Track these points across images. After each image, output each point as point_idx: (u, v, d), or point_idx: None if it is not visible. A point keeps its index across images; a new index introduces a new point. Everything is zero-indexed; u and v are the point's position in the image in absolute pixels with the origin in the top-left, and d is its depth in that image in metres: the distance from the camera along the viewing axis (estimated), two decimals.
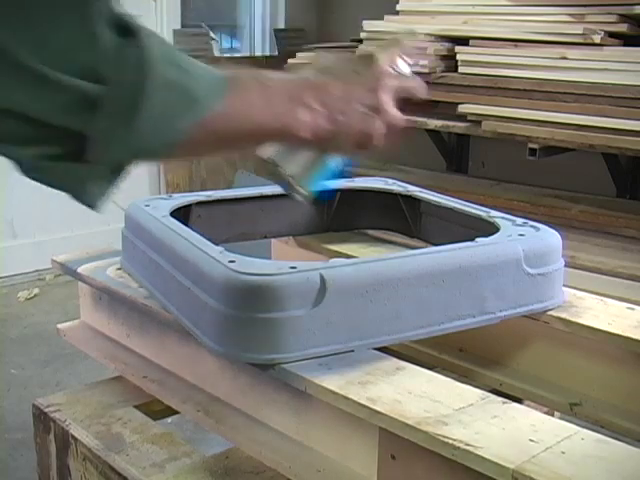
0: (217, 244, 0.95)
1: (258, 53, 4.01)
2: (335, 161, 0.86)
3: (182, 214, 1.15)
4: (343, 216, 1.32)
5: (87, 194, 0.65)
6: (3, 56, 0.56)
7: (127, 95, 0.60)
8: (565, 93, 2.36)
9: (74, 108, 0.59)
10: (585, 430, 0.74)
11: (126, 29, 0.61)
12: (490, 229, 1.05)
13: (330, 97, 0.74)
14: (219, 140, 0.70)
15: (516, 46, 2.50)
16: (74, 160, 0.62)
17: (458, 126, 2.62)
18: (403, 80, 0.79)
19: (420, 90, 0.81)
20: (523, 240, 0.99)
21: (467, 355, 1.09)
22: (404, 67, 0.83)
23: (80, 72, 0.58)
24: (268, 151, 0.84)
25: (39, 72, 0.57)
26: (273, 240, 1.36)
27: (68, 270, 1.21)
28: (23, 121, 0.59)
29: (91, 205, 0.66)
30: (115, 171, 0.65)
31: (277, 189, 1.31)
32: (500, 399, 0.81)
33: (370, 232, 1.34)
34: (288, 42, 3.80)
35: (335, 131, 0.74)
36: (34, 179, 0.64)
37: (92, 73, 0.59)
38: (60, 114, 0.59)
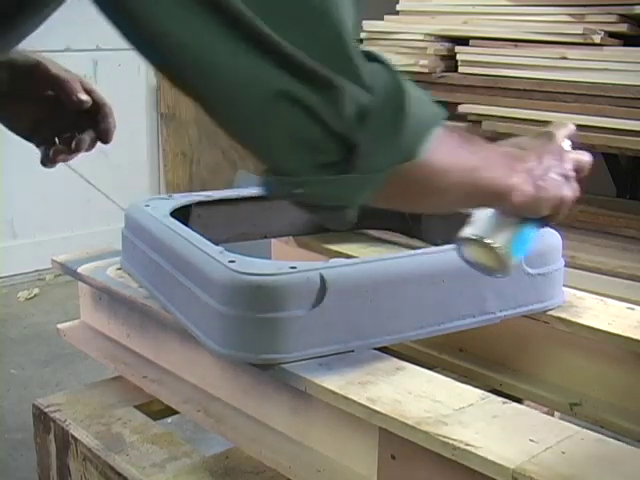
0: (217, 244, 0.95)
1: None
2: (532, 228, 0.84)
3: (182, 214, 1.15)
4: None
5: (349, 207, 0.65)
6: (292, 63, 0.57)
7: (392, 105, 0.62)
8: (565, 93, 2.36)
9: (353, 114, 0.60)
10: (585, 430, 0.75)
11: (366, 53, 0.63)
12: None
13: (531, 165, 0.78)
14: (434, 175, 0.69)
15: (516, 46, 2.50)
16: (341, 171, 0.62)
17: (458, 126, 2.62)
18: (578, 155, 0.86)
19: (589, 165, 0.87)
20: None
21: (467, 355, 1.09)
22: (568, 146, 0.88)
23: (352, 79, 0.60)
24: (467, 231, 0.83)
25: (327, 76, 0.59)
26: (273, 240, 1.36)
27: (68, 270, 1.21)
28: (314, 121, 0.60)
29: (344, 223, 0.67)
30: (371, 186, 0.64)
31: None
32: (500, 399, 0.81)
33: (370, 232, 1.34)
34: None
35: (538, 197, 0.78)
36: (289, 197, 0.64)
37: (359, 82, 0.61)
38: (341, 119, 0.60)
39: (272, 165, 0.63)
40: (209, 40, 0.56)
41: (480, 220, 0.84)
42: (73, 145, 0.94)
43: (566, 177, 0.82)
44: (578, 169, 0.84)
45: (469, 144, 0.73)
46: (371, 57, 0.63)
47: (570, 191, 0.82)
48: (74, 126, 0.95)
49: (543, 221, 0.84)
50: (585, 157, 0.86)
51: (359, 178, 0.63)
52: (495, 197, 0.76)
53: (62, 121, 0.95)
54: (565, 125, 0.88)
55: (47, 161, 0.96)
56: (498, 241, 0.82)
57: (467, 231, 0.83)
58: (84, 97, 0.93)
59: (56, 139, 0.96)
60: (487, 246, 0.82)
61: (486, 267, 0.85)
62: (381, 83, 0.62)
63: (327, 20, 0.59)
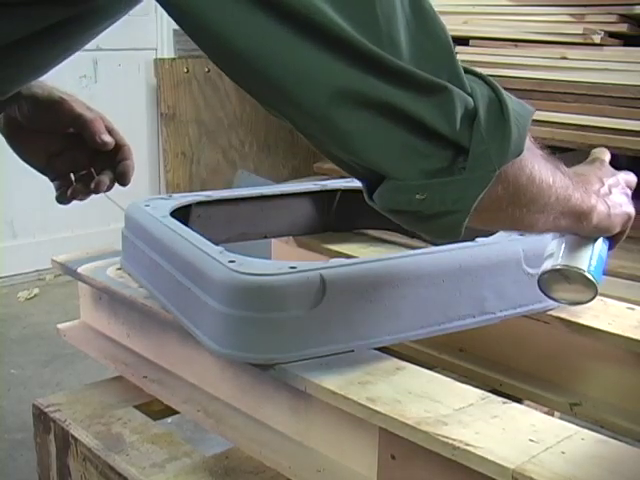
0: (217, 244, 0.95)
1: None
2: (605, 248, 0.88)
3: (182, 214, 1.15)
4: (343, 216, 1.32)
5: (465, 211, 0.66)
6: (401, 73, 0.60)
7: (494, 105, 0.66)
8: (565, 93, 2.36)
9: (463, 117, 0.63)
10: (585, 430, 0.74)
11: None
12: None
13: (598, 186, 0.84)
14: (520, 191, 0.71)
15: (516, 46, 2.50)
16: (454, 174, 0.64)
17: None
18: (626, 175, 0.93)
19: (635, 183, 0.94)
20: (523, 240, 0.99)
21: (467, 355, 1.09)
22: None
23: (457, 84, 0.63)
24: (548, 263, 0.86)
25: (434, 81, 0.61)
26: (273, 240, 1.36)
27: (68, 270, 1.21)
28: (427, 128, 0.62)
29: (459, 231, 0.68)
30: (479, 190, 0.65)
31: (277, 189, 1.32)
32: (500, 399, 0.81)
33: (370, 232, 1.35)
34: None
35: (611, 215, 0.83)
36: (407, 204, 0.65)
37: (463, 87, 0.64)
38: (453, 123, 0.62)
39: (388, 173, 0.64)
40: (307, 59, 0.58)
41: (556, 251, 0.87)
42: (92, 186, 0.95)
43: (627, 195, 0.88)
44: (630, 187, 0.91)
45: (561, 166, 0.77)
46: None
47: (631, 208, 0.87)
48: (90, 164, 0.96)
49: (612, 240, 0.88)
50: (632, 176, 0.93)
51: (478, 177, 0.64)
52: (579, 218, 0.79)
53: (79, 158, 0.96)
54: (605, 151, 0.97)
55: (63, 199, 0.97)
56: (583, 266, 0.84)
57: (549, 264, 0.85)
58: (108, 139, 0.94)
59: (71, 175, 0.96)
60: (576, 274, 0.84)
61: (574, 297, 0.87)
62: (476, 85, 0.66)
63: (437, 30, 0.65)
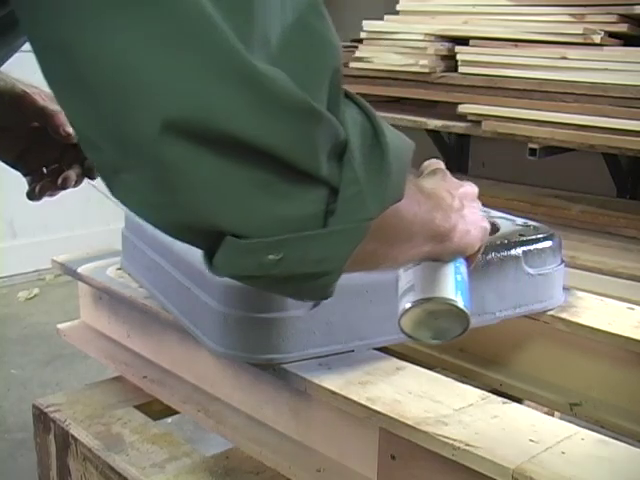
0: None
1: None
2: (465, 270, 0.75)
3: None
4: None
5: (335, 271, 0.54)
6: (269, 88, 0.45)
7: (372, 140, 0.52)
8: (565, 93, 2.36)
9: (331, 151, 0.49)
10: (585, 430, 0.75)
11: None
12: (490, 229, 1.05)
13: (451, 202, 0.71)
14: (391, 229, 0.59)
15: (516, 46, 2.50)
16: (320, 225, 0.50)
17: (458, 126, 2.62)
18: (469, 187, 0.80)
19: (477, 194, 0.81)
20: (523, 240, 0.99)
21: (467, 355, 1.09)
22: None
23: (332, 107, 0.50)
24: (408, 299, 0.72)
25: (309, 105, 0.47)
26: None
27: (68, 270, 1.20)
28: (283, 168, 0.47)
29: (326, 293, 0.57)
30: (359, 238, 0.52)
31: None
32: (500, 399, 0.81)
33: None
34: None
35: (469, 232, 0.72)
36: (257, 269, 0.50)
37: (335, 114, 0.50)
38: (319, 157, 0.48)
39: (228, 227, 0.48)
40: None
41: (414, 283, 0.73)
42: (59, 182, 0.90)
43: (477, 207, 0.77)
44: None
45: (417, 183, 0.68)
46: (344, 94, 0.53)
47: (485, 221, 0.76)
48: (61, 158, 0.91)
49: (469, 260, 0.76)
50: (475, 187, 0.80)
51: (350, 230, 0.51)
52: (441, 239, 0.68)
53: (49, 152, 0.91)
54: (439, 162, 0.82)
55: (33, 196, 0.94)
56: (450, 295, 0.71)
57: (408, 299, 0.72)
58: (71, 131, 0.87)
59: (44, 169, 0.93)
60: (443, 305, 0.71)
61: (444, 333, 0.73)
62: (347, 109, 0.52)
63: (321, 36, 0.50)
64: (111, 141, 0.45)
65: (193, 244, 0.51)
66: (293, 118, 0.46)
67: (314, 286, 0.54)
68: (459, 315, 0.71)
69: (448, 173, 0.79)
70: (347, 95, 0.54)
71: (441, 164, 0.81)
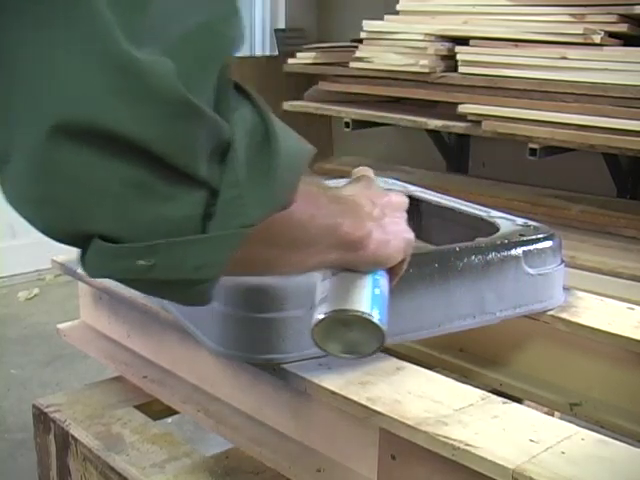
0: None
1: (258, 53, 4.01)
2: (385, 283, 0.73)
3: None
4: None
5: (210, 278, 0.51)
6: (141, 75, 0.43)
7: (260, 142, 0.50)
8: (565, 93, 2.36)
9: (213, 151, 0.47)
10: (585, 430, 0.74)
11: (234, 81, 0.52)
12: (490, 229, 1.05)
13: (370, 210, 0.69)
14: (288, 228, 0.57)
15: (516, 46, 2.50)
16: (197, 230, 0.48)
17: (458, 126, 2.62)
18: (396, 196, 0.78)
19: (406, 205, 0.78)
20: (523, 240, 0.99)
21: (467, 355, 1.09)
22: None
23: (211, 107, 0.47)
24: (321, 310, 0.69)
25: (188, 100, 0.45)
26: None
27: (68, 270, 1.20)
28: (158, 166, 0.45)
29: (205, 298, 0.54)
30: (237, 244, 0.50)
31: None
32: (500, 399, 0.81)
33: None
34: (288, 42, 3.80)
35: (389, 241, 0.70)
36: (128, 273, 0.48)
37: (218, 110, 0.47)
38: (197, 156, 0.46)
39: (98, 229, 0.46)
40: None
41: (328, 294, 0.70)
42: None
43: (401, 217, 0.74)
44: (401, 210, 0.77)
45: (323, 190, 0.65)
46: (236, 88, 0.51)
47: (410, 232, 0.74)
48: None
49: (392, 272, 0.74)
50: (402, 198, 0.78)
51: (227, 237, 0.49)
52: (352, 247, 0.66)
53: None
54: (369, 170, 0.81)
55: None
56: (363, 307, 0.68)
57: (322, 310, 0.69)
58: None
59: None
60: (356, 319, 0.68)
61: (357, 348, 0.71)
62: (240, 107, 0.50)
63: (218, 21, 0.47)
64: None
65: (67, 244, 0.49)
66: (169, 113, 0.44)
67: (191, 292, 0.52)
68: (373, 329, 0.68)
69: (375, 181, 0.78)
70: (244, 93, 0.52)
71: (369, 172, 0.80)
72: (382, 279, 0.72)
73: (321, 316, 0.69)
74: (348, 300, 0.69)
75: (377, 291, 0.70)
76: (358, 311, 0.68)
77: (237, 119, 0.49)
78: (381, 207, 0.71)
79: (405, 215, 0.76)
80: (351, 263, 0.69)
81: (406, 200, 0.78)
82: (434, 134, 3.13)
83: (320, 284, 0.72)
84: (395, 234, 0.71)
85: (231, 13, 0.49)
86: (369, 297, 0.69)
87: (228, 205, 0.48)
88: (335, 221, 0.63)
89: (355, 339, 0.70)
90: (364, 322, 0.68)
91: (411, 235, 0.74)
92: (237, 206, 0.49)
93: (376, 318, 0.68)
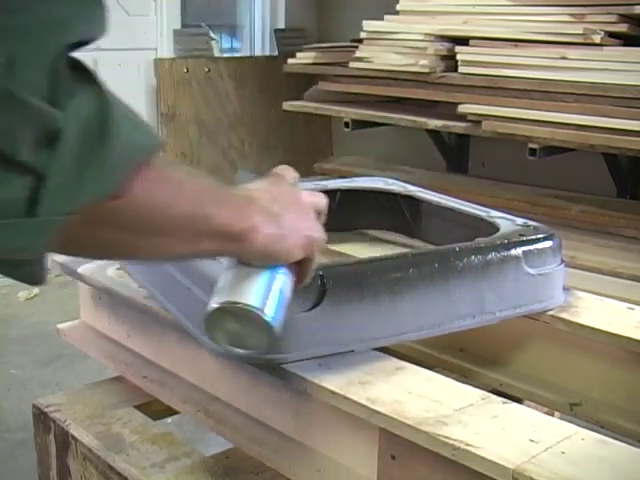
0: None
1: (258, 53, 4.01)
2: (287, 280, 0.72)
3: None
4: (343, 216, 1.32)
5: (34, 260, 0.54)
6: None
7: (93, 128, 0.51)
8: (565, 93, 2.36)
9: (40, 137, 0.49)
10: (585, 430, 0.75)
11: (81, 68, 0.54)
12: (490, 229, 1.05)
13: (268, 205, 0.70)
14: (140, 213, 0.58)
15: (516, 46, 2.50)
16: (23, 212, 0.50)
17: (458, 126, 2.62)
18: (313, 196, 0.79)
19: (326, 206, 0.79)
20: (523, 240, 0.99)
21: (467, 355, 1.09)
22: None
23: (41, 95, 0.49)
24: (213, 301, 0.69)
25: (8, 90, 0.47)
26: None
27: (68, 270, 1.20)
28: None
29: (36, 278, 0.56)
30: (44, 239, 0.52)
31: None
32: (500, 399, 0.81)
33: (370, 232, 1.34)
34: (288, 42, 3.80)
35: (282, 237, 0.70)
36: None
37: (51, 97, 0.49)
38: (24, 143, 0.48)
39: None
40: None
41: (224, 285, 0.70)
42: None
43: (307, 216, 0.74)
44: (316, 210, 0.77)
45: (197, 180, 0.65)
46: (77, 69, 0.53)
47: (316, 231, 0.74)
48: None
49: (296, 270, 0.74)
50: (319, 198, 0.79)
51: (46, 220, 0.50)
52: (232, 239, 0.66)
53: None
54: (289, 169, 0.81)
55: None
56: (252, 301, 0.68)
57: (214, 300, 0.69)
58: None
59: None
60: (243, 312, 0.68)
61: (247, 342, 0.71)
62: (81, 101, 0.51)
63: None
64: None
65: None
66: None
67: (21, 272, 0.54)
68: (262, 324, 0.68)
69: (286, 180, 0.78)
70: (90, 80, 0.53)
71: (286, 171, 0.80)
72: (282, 276, 0.72)
73: (213, 306, 0.69)
74: (239, 292, 0.69)
75: (275, 287, 0.70)
76: (247, 304, 0.68)
77: (73, 106, 0.50)
78: (283, 204, 0.71)
79: (315, 215, 0.76)
80: (238, 255, 0.70)
81: (321, 201, 0.79)
82: (434, 134, 3.14)
83: (223, 274, 0.72)
84: (293, 230, 0.71)
85: (83, 2, 0.51)
86: (261, 291, 0.69)
87: (53, 191, 0.50)
88: (204, 210, 0.63)
89: (245, 332, 0.70)
90: (252, 316, 0.68)
91: (317, 234, 0.74)
92: (62, 192, 0.50)
93: (265, 312, 0.68)
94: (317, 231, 0.74)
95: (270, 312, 0.69)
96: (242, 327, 0.69)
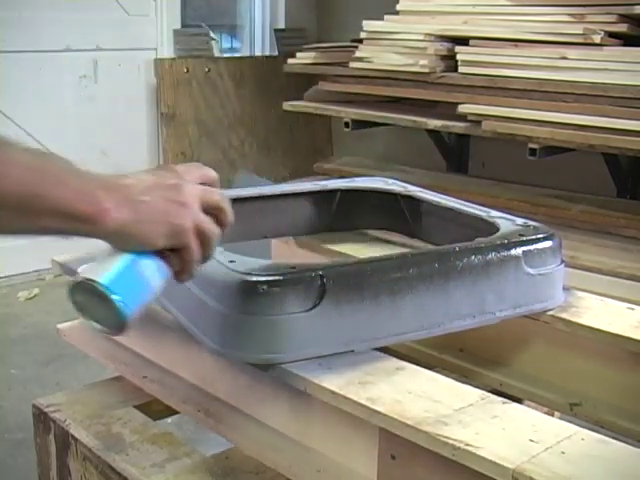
0: (217, 244, 0.95)
1: (258, 53, 4.01)
2: (153, 267, 0.73)
3: None
4: (343, 216, 1.32)
5: None
6: None
7: None
8: (565, 93, 2.36)
9: None
10: (585, 430, 0.74)
11: None
12: (490, 229, 1.05)
13: (131, 190, 0.71)
14: None
15: (516, 46, 2.50)
16: None
17: (458, 126, 2.62)
18: (207, 193, 0.77)
19: (222, 204, 0.79)
20: (523, 240, 0.99)
21: (467, 355, 1.09)
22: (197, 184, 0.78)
23: None
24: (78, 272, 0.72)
25: None
26: (273, 240, 1.36)
27: (68, 270, 1.20)
28: None
29: None
30: None
31: (277, 189, 1.32)
32: (500, 399, 0.81)
33: (370, 232, 1.34)
34: (288, 42, 3.80)
35: (139, 221, 0.71)
36: None
37: None
38: None
39: None
40: None
41: (91, 264, 0.73)
42: None
43: (181, 205, 0.73)
44: (212, 208, 0.77)
45: (38, 161, 0.68)
46: None
47: (188, 221, 0.73)
48: None
49: (174, 260, 0.74)
50: (214, 194, 0.78)
51: None
52: (78, 220, 0.68)
53: None
54: (200, 166, 0.82)
55: None
56: (99, 277, 0.70)
57: (74, 276, 0.72)
58: None
59: None
60: (91, 286, 0.69)
61: (103, 320, 0.71)
62: None
63: None
64: None
65: None
66: None
67: None
68: (109, 303, 0.70)
69: (174, 171, 0.77)
70: None
71: (194, 168, 0.80)
72: (147, 261, 0.72)
73: (70, 280, 0.72)
74: (95, 270, 0.71)
75: (135, 271, 0.71)
76: (95, 281, 0.70)
77: None
78: (152, 191, 0.72)
79: (200, 208, 0.75)
80: (94, 236, 0.71)
81: (212, 197, 0.78)
82: (434, 134, 3.14)
83: (98, 254, 0.74)
84: (154, 217, 0.71)
85: None
86: (114, 271, 0.71)
87: None
88: (37, 189, 0.66)
89: (98, 309, 0.71)
90: (99, 292, 0.70)
91: (190, 224, 0.73)
92: None
93: (111, 290, 0.69)
94: (192, 221, 0.73)
95: (118, 291, 0.70)
96: (95, 304, 0.71)
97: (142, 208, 0.71)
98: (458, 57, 2.61)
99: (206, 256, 0.76)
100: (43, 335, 2.61)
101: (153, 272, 0.73)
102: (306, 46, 3.32)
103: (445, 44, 2.66)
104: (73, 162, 0.70)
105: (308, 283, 0.84)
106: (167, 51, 3.51)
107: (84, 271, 0.72)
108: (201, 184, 0.78)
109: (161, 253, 0.73)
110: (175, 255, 0.74)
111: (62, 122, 3.21)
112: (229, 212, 0.79)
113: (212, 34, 3.68)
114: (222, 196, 0.79)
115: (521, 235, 1.00)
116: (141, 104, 3.47)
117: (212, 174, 0.81)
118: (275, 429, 0.91)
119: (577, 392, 1.00)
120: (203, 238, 0.74)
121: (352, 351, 0.87)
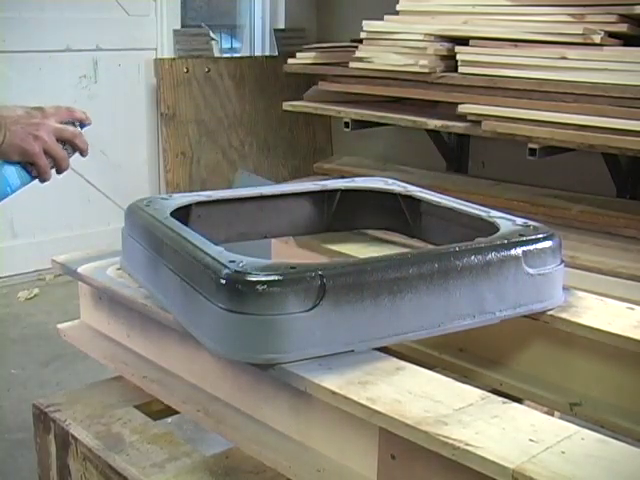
0: (217, 244, 0.95)
1: (258, 53, 4.01)
2: (11, 172, 1.06)
3: (182, 214, 1.15)
4: (343, 216, 1.32)
5: None
6: None
7: None
8: (565, 93, 2.36)
9: None
10: (585, 430, 0.74)
11: None
12: (490, 229, 1.05)
13: (7, 119, 1.02)
14: None
15: (516, 46, 2.50)
16: None
17: (458, 126, 2.62)
18: (64, 130, 1.10)
19: (76, 138, 1.12)
20: (523, 240, 0.99)
21: (467, 355, 1.09)
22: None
23: None
24: None
25: None
26: (273, 240, 1.36)
27: (68, 270, 1.20)
28: None
29: None
30: None
31: (277, 189, 1.32)
32: (500, 399, 0.81)
33: (370, 232, 1.35)
34: (288, 42, 3.80)
35: (6, 142, 1.03)
36: None
37: None
38: None
39: None
40: None
41: None
42: None
43: (36, 138, 1.05)
44: (64, 139, 1.09)
45: None
46: None
47: (36, 147, 1.05)
48: None
49: (31, 169, 1.07)
50: (67, 132, 1.10)
51: None
52: None
53: None
54: (70, 109, 1.13)
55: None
56: None
57: None
58: None
59: None
60: None
61: None
62: None
63: None
64: None
65: None
66: None
67: None
68: None
69: (44, 111, 1.10)
70: None
71: (62, 110, 1.12)
72: (10, 167, 1.07)
73: None
74: None
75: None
76: None
77: None
78: (20, 124, 1.05)
79: (50, 134, 1.08)
80: None
81: (60, 131, 1.10)
82: (434, 134, 3.14)
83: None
84: (14, 141, 1.04)
85: None
86: None
87: None
88: None
89: None
90: None
91: (33, 149, 1.06)
92: None
93: None
94: (40, 147, 1.06)
95: None
96: None
97: (8, 135, 1.04)
98: (458, 57, 2.61)
99: (59, 169, 1.11)
100: (43, 335, 2.61)
101: (12, 173, 1.07)
102: (306, 46, 3.32)
103: (445, 44, 2.66)
104: None
105: (308, 283, 0.85)
106: (167, 51, 3.51)
107: None
108: (68, 123, 1.12)
109: (27, 165, 1.08)
110: (33, 167, 1.08)
111: None
112: (80, 141, 1.12)
113: (212, 34, 3.68)
114: (74, 132, 1.12)
115: (521, 235, 1.00)
116: (141, 104, 3.47)
117: (77, 115, 1.14)
118: (275, 429, 0.91)
119: (577, 392, 1.00)
120: (53, 157, 1.08)
121: (352, 351, 0.87)
